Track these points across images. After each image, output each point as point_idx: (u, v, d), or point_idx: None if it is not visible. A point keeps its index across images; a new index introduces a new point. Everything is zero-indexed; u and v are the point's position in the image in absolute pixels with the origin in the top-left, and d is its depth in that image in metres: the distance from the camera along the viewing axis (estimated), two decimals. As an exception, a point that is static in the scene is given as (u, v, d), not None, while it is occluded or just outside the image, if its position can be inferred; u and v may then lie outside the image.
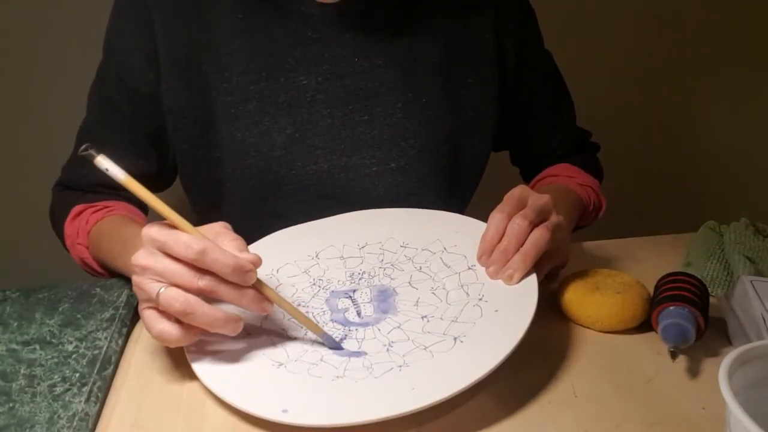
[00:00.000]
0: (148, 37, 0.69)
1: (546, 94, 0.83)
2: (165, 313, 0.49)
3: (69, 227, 0.73)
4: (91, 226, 0.70)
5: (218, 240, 0.50)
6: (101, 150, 0.47)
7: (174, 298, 0.47)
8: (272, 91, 0.71)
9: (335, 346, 0.53)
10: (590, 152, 0.89)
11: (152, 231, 0.48)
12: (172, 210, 0.48)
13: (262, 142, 0.71)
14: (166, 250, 0.47)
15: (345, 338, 0.54)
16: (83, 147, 0.46)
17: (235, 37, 0.70)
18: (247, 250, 0.50)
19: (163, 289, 0.47)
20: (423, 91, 0.74)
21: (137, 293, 0.50)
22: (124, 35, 0.71)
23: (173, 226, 0.49)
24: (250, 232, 0.69)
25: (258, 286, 0.50)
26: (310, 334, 0.55)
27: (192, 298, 0.47)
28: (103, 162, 0.47)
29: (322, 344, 0.54)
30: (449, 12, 0.75)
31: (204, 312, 0.48)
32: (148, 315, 0.49)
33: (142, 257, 0.48)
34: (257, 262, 0.49)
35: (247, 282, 0.48)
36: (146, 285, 0.48)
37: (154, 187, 0.75)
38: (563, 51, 0.86)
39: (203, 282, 0.47)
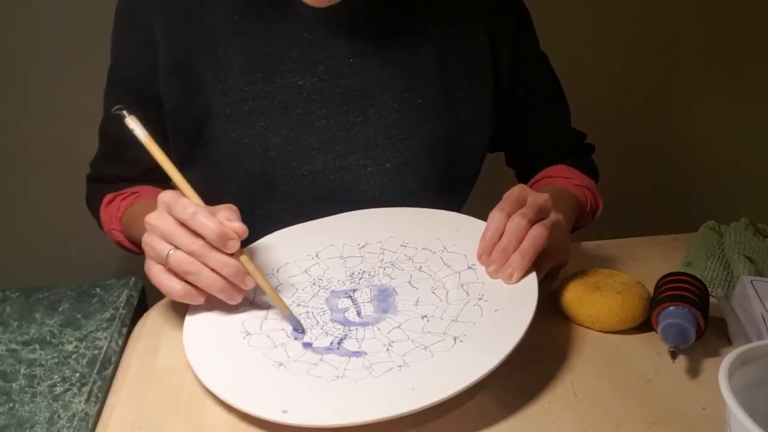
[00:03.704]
0: (149, 44, 0.70)
1: (541, 96, 0.83)
2: (171, 271, 0.54)
3: (104, 214, 0.79)
4: (122, 212, 0.76)
5: (216, 211, 0.55)
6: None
7: (182, 260, 0.53)
8: (268, 92, 0.71)
9: (299, 328, 0.56)
10: (586, 153, 0.89)
11: (164, 195, 0.55)
12: (183, 178, 0.56)
13: (257, 143, 0.71)
14: (171, 212, 0.54)
15: (345, 338, 0.54)
16: (116, 107, 0.54)
17: (230, 38, 0.70)
18: (238, 220, 0.55)
19: (172, 251, 0.53)
20: (419, 92, 0.74)
21: (145, 249, 0.56)
22: (126, 42, 0.72)
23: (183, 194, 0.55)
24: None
25: (242, 261, 0.55)
26: (310, 334, 0.55)
27: (197, 262, 0.53)
28: (131, 123, 0.54)
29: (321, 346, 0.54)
30: (445, 13, 0.74)
31: (206, 274, 0.53)
32: (156, 272, 0.55)
33: (153, 217, 0.55)
34: (240, 231, 0.54)
35: (228, 249, 0.53)
36: (156, 244, 0.54)
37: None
38: (559, 53, 0.86)
39: (195, 245, 0.53)
